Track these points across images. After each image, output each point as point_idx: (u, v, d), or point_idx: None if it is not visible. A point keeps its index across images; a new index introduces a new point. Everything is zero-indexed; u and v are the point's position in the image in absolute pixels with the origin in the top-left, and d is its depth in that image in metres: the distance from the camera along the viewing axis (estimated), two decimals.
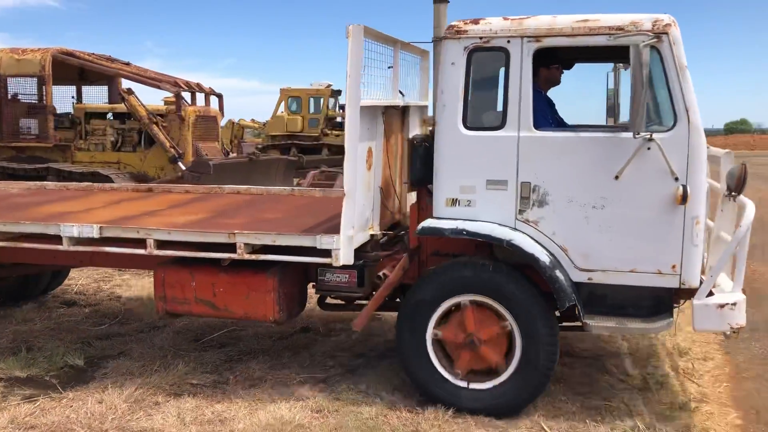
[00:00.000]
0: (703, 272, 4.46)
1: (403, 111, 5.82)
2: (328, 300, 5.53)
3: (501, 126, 4.49)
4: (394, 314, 6.53)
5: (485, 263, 4.58)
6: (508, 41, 4.43)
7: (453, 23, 4.59)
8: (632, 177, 4.26)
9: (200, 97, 13.18)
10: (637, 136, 4.11)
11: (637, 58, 3.97)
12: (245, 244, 4.73)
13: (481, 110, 4.76)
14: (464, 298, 4.59)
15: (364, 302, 5.23)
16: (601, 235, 4.37)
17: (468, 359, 4.64)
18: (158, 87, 12.33)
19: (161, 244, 4.95)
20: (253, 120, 27.84)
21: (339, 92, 26.95)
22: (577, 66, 5.50)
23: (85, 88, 14.03)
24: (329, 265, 4.79)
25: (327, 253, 4.61)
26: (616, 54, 4.95)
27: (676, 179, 4.19)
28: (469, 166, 4.55)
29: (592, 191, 4.36)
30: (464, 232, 4.50)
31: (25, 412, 4.74)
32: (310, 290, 5.40)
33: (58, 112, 12.63)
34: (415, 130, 6.08)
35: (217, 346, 6.18)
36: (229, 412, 4.72)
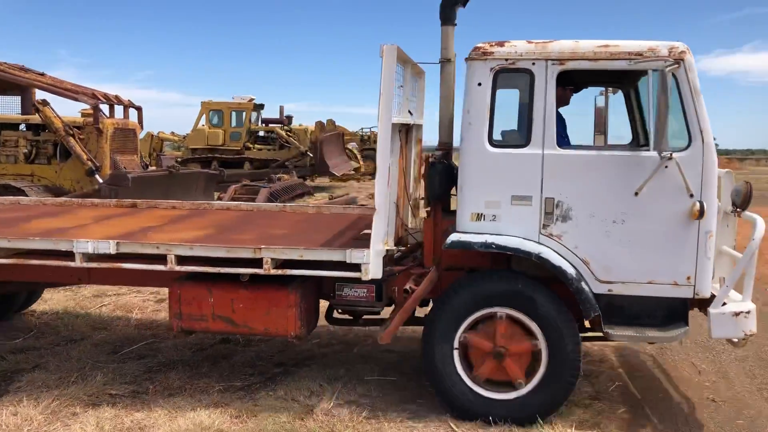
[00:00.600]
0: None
1: (407, 130, 6.04)
2: (335, 314, 5.65)
3: (526, 144, 4.69)
4: (319, 321, 6.78)
5: (516, 275, 4.80)
6: (533, 63, 4.64)
7: (479, 45, 4.75)
8: (651, 193, 4.52)
9: (119, 110, 12.99)
10: (662, 155, 4.41)
11: (663, 82, 4.26)
12: (272, 258, 4.76)
13: (506, 128, 5.05)
14: (495, 310, 4.75)
15: (372, 317, 5.55)
16: (621, 248, 4.60)
17: (491, 368, 4.79)
18: (75, 99, 12.10)
19: (181, 260, 4.90)
20: (173, 133, 27.46)
21: (261, 106, 27.00)
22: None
23: None
24: (348, 280, 4.93)
25: (356, 267, 4.68)
26: (624, 78, 5.34)
27: (691, 196, 4.47)
28: (495, 182, 4.72)
29: (613, 207, 4.59)
30: (493, 246, 4.66)
31: None
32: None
33: None
34: (413, 149, 6.31)
35: (135, 357, 6.22)
36: (148, 420, 4.81)
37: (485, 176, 4.72)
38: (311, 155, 24.20)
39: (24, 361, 6.06)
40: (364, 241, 5.02)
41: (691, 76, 4.50)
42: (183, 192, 12.84)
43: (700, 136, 4.51)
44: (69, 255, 5.01)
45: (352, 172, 27.76)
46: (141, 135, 15.14)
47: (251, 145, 26.21)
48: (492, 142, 4.73)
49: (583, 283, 4.58)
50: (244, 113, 25.92)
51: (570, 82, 5.23)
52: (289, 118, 27.61)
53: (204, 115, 25.81)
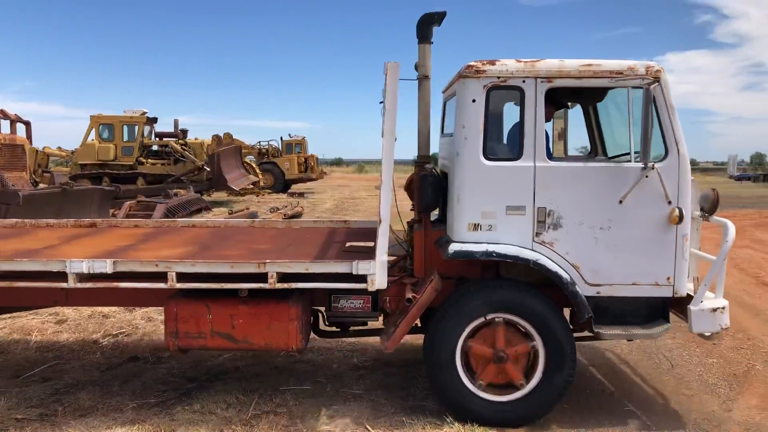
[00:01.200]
0: None
1: None
2: (322, 327, 5.69)
3: (518, 157, 4.92)
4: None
5: (514, 282, 5.05)
6: (524, 81, 4.88)
7: (472, 63, 4.94)
8: (633, 201, 4.85)
9: (5, 124, 12.41)
10: (647, 165, 4.75)
11: (647, 99, 4.59)
12: (277, 273, 4.76)
13: (499, 142, 5.23)
14: (496, 316, 4.95)
15: (359, 328, 5.70)
16: (607, 253, 4.91)
17: (493, 372, 4.99)
18: None
19: (181, 278, 4.82)
20: (59, 148, 26.22)
21: (155, 119, 26.33)
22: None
23: None
24: (344, 291, 5.03)
25: (361, 278, 4.77)
26: (587, 96, 5.69)
27: (669, 203, 4.85)
28: (490, 194, 4.91)
29: (600, 214, 4.89)
30: (494, 254, 4.87)
31: None
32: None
33: None
34: None
35: (39, 380, 6.03)
36: None
37: (481, 188, 4.92)
38: (208, 169, 23.83)
39: None
40: (363, 253, 5.22)
41: (667, 93, 4.88)
42: (77, 209, 12.44)
43: (676, 148, 4.89)
44: (59, 276, 4.86)
45: (251, 186, 27.54)
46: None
47: (144, 160, 25.51)
48: (486, 156, 4.94)
49: (577, 287, 4.88)
50: (136, 127, 25.20)
51: (552, 100, 5.40)
52: (185, 131, 27.07)
53: (94, 130, 24.89)
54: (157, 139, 26.74)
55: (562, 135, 6.52)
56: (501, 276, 5.24)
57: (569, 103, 6.22)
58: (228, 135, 26.95)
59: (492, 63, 4.92)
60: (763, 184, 53.31)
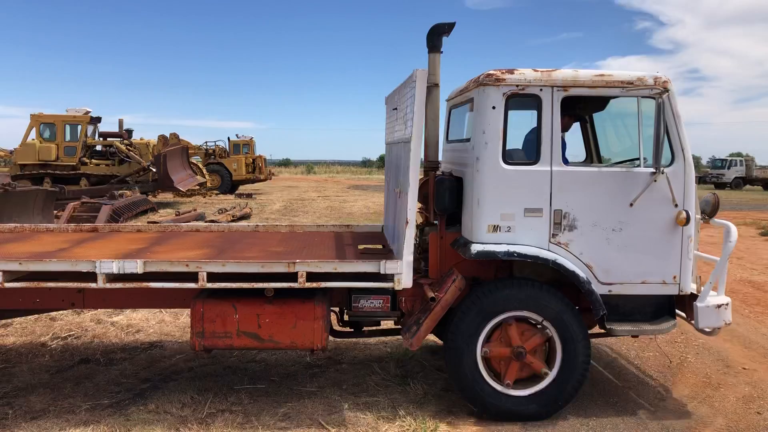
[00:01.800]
0: None
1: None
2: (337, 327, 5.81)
3: (536, 161, 5.12)
4: (180, 339, 6.87)
5: (534, 282, 5.20)
6: (541, 89, 5.09)
7: (491, 72, 5.13)
8: (643, 204, 5.12)
9: None
10: (658, 170, 5.01)
11: (659, 108, 4.90)
12: (306, 272, 4.84)
13: (523, 147, 5.43)
14: (512, 314, 5.15)
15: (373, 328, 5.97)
16: (619, 253, 5.16)
17: (515, 369, 5.20)
18: None
19: (211, 278, 4.85)
20: None
21: (98, 119, 25.87)
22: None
23: None
24: (363, 291, 5.23)
25: (388, 277, 4.91)
26: (600, 105, 5.94)
27: (676, 205, 5.12)
28: (509, 197, 5.11)
29: (612, 216, 5.14)
30: (515, 254, 5.07)
31: None
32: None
33: None
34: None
35: None
36: None
37: (500, 191, 5.12)
38: (154, 170, 23.50)
39: None
40: (380, 254, 5.41)
41: (674, 102, 5.15)
42: (20, 211, 12.18)
43: (682, 154, 5.18)
44: (89, 276, 4.88)
45: (198, 188, 27.28)
46: None
47: (88, 161, 25.00)
48: (506, 160, 5.13)
49: (593, 286, 5.11)
50: (79, 127, 24.67)
51: (569, 110, 5.64)
52: (129, 131, 26.62)
53: (34, 129, 24.25)
54: (101, 139, 26.23)
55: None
56: (513, 276, 5.43)
57: (584, 114, 6.44)
58: (174, 135, 26.64)
59: (511, 72, 5.13)
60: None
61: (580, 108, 6.05)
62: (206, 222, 15.52)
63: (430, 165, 5.81)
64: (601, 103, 5.91)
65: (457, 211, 5.55)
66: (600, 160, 6.34)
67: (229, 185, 31.69)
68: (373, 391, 5.84)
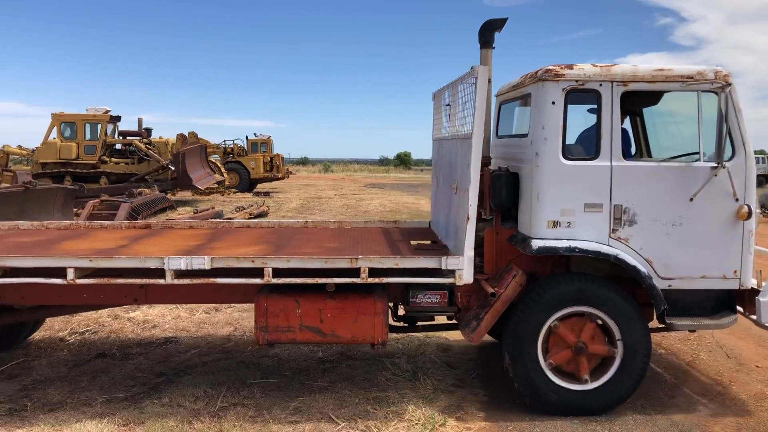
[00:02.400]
0: None
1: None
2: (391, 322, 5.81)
3: (595, 156, 5.15)
4: (195, 334, 6.98)
5: (597, 278, 5.23)
6: (600, 84, 5.11)
7: (550, 68, 5.14)
8: (703, 199, 5.12)
9: None
10: (721, 164, 5.03)
11: (725, 103, 4.94)
12: (369, 268, 4.93)
13: (578, 142, 5.45)
14: (573, 310, 5.17)
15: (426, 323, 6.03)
16: (679, 248, 5.16)
17: (585, 363, 5.21)
18: None
19: (276, 273, 4.94)
20: (20, 146, 25.83)
21: (118, 118, 26.15)
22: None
23: None
24: (421, 286, 5.24)
25: (448, 273, 4.97)
26: (654, 100, 5.94)
27: (737, 200, 5.13)
28: (569, 192, 5.12)
29: (672, 211, 5.14)
30: (576, 250, 5.10)
31: None
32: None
33: None
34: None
35: (6, 377, 6.10)
36: None
37: (560, 186, 5.13)
38: (173, 168, 23.74)
39: None
40: (435, 250, 5.45)
41: (735, 96, 5.15)
42: (40, 208, 12.38)
43: (743, 148, 5.18)
44: (155, 272, 5.00)
45: (216, 186, 27.52)
46: None
47: (108, 159, 25.31)
48: (565, 155, 5.15)
49: (654, 281, 5.12)
50: (99, 125, 24.98)
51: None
52: (149, 130, 26.90)
53: (55, 128, 24.60)
54: (121, 137, 26.53)
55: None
56: (570, 271, 5.43)
57: (635, 108, 6.42)
58: (193, 134, 26.87)
59: (570, 67, 5.14)
60: None
61: (631, 102, 5.99)
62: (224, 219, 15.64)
63: (483, 161, 5.77)
64: (654, 97, 5.88)
65: (511, 207, 5.56)
66: (650, 154, 6.30)
67: (247, 183, 31.93)
68: (384, 386, 5.89)
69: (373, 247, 5.75)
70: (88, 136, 24.86)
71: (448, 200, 5.85)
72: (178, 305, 8.47)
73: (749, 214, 5.15)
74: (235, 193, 30.50)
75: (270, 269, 4.97)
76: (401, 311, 5.88)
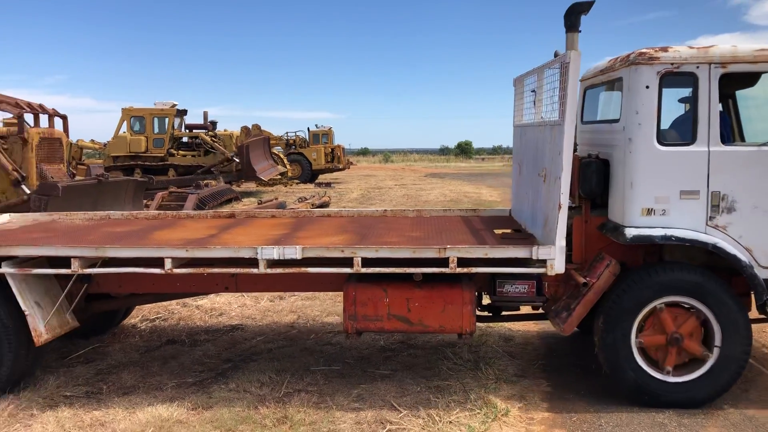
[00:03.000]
0: None
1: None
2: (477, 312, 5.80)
3: (692, 141, 5.02)
4: (260, 322, 7.13)
5: (695, 267, 5.11)
6: (697, 67, 4.96)
7: (644, 51, 5.02)
8: None
9: (43, 119, 12.82)
10: None
11: None
12: (458, 258, 4.95)
13: (673, 127, 5.35)
14: (668, 300, 5.07)
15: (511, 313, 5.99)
16: None
17: (673, 355, 5.12)
18: None
19: (365, 263, 5.02)
20: (92, 140, 26.83)
21: (184, 111, 26.79)
22: None
23: None
24: (508, 276, 5.20)
25: (538, 263, 4.96)
26: (750, 81, 5.68)
27: None
28: (664, 179, 5.01)
29: None
30: (673, 238, 4.99)
31: None
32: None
33: None
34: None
35: (84, 362, 6.39)
36: (107, 417, 5.05)
37: (655, 173, 5.01)
38: (237, 160, 24.23)
39: None
40: (521, 239, 5.42)
41: None
42: (112, 200, 12.80)
43: None
44: (248, 261, 5.12)
45: (279, 177, 27.95)
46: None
47: (175, 152, 26.00)
48: (660, 141, 5.02)
49: (755, 270, 4.97)
50: (166, 119, 25.67)
51: None
52: (214, 123, 27.50)
53: (125, 122, 25.43)
54: (187, 131, 27.21)
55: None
56: (663, 260, 5.29)
57: (729, 91, 6.19)
58: (256, 126, 27.38)
59: (665, 50, 5.01)
60: None
61: (726, 85, 5.74)
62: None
63: None
64: (752, 79, 5.60)
65: (600, 195, 5.42)
66: (743, 139, 6.04)
67: (309, 174, 32.33)
68: (445, 375, 5.90)
69: (456, 236, 5.72)
70: (156, 130, 25.60)
71: (534, 188, 5.74)
72: (243, 294, 8.66)
73: None
74: (297, 184, 30.93)
75: (359, 259, 5.01)
76: (485, 300, 5.82)
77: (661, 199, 5.01)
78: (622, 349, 5.11)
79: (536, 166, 5.66)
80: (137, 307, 8.10)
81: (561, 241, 4.91)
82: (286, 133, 33.77)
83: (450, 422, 4.93)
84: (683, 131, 5.15)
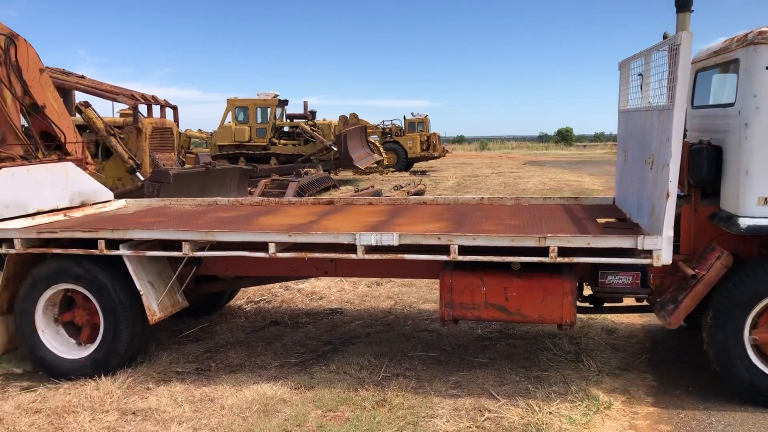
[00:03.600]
0: None
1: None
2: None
3: None
4: (358, 306, 7.24)
5: None
6: None
7: (764, 29, 4.73)
8: None
9: (155, 109, 13.53)
10: None
11: None
12: (559, 247, 4.86)
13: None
14: None
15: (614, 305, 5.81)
16: None
17: None
18: (115, 100, 12.69)
19: (462, 251, 5.00)
20: (200, 130, 28.04)
21: (286, 102, 27.50)
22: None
23: None
24: (611, 267, 5.05)
25: (645, 253, 4.79)
26: None
27: None
28: None
29: None
30: None
31: (29, 400, 5.22)
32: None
33: None
34: None
35: (194, 340, 6.73)
36: (216, 393, 5.30)
37: None
38: (335, 149, 24.66)
39: None
40: (625, 229, 5.29)
41: None
42: (218, 187, 13.37)
43: None
44: (347, 247, 5.24)
45: (375, 165, 28.22)
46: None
47: (277, 141, 26.76)
48: None
49: None
50: (269, 109, 26.45)
51: None
52: (313, 113, 28.11)
53: (230, 112, 26.38)
54: (288, 120, 27.94)
55: None
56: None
57: None
58: (354, 115, 27.74)
59: None
60: None
61: None
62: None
63: None
64: None
65: (711, 183, 5.14)
66: None
67: (405, 163, 32.47)
68: (545, 366, 5.80)
69: (556, 225, 5.61)
70: (259, 120, 26.42)
71: (640, 176, 5.51)
72: (342, 278, 8.84)
73: None
74: (393, 172, 31.13)
75: (456, 246, 4.97)
76: (586, 291, 5.68)
77: None
78: (734, 347, 4.86)
79: (643, 153, 5.43)
80: (242, 289, 8.44)
81: (669, 231, 4.71)
82: (383, 121, 34.07)
83: (550, 413, 4.85)
84: None
